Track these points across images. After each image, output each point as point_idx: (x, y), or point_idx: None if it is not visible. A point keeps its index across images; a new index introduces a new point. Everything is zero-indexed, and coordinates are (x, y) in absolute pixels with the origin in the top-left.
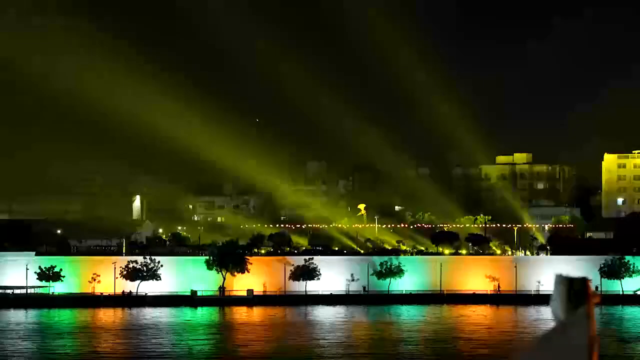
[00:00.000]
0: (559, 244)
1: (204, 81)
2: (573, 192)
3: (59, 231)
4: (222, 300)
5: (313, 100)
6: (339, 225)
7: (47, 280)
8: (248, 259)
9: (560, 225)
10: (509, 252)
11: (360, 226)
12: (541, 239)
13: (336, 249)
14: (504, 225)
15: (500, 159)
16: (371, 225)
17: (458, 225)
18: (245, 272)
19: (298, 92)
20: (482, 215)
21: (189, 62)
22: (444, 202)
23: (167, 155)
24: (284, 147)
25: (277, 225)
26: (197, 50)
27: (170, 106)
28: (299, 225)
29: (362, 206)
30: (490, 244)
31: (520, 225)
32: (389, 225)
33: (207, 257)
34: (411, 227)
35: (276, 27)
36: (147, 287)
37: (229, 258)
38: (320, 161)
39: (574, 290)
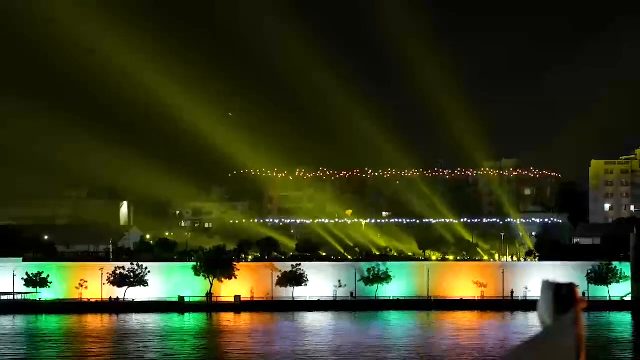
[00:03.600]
0: (547, 250)
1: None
2: (560, 197)
3: (46, 237)
4: (210, 306)
5: (306, 104)
6: (327, 221)
7: (34, 287)
8: (235, 265)
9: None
10: (497, 258)
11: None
12: (530, 244)
13: (324, 254)
14: (492, 231)
15: (488, 164)
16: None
17: (445, 227)
18: (233, 278)
19: (291, 93)
20: (470, 220)
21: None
22: (432, 207)
23: (155, 159)
24: (275, 150)
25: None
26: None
27: (159, 106)
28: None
29: (349, 212)
30: (478, 249)
31: (508, 231)
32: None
33: (195, 263)
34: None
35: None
36: (135, 293)
37: (217, 264)
38: (310, 166)
39: (561, 295)
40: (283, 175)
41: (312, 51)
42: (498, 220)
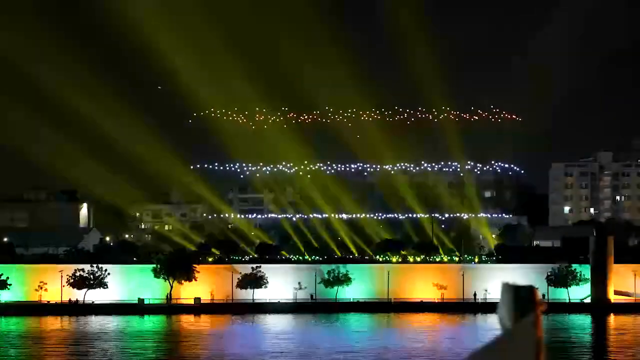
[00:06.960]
0: (507, 252)
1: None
2: (520, 200)
3: (5, 239)
4: (169, 308)
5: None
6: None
7: None
8: (195, 267)
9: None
10: (457, 260)
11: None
12: (491, 242)
13: (286, 255)
14: (451, 233)
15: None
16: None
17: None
18: (193, 280)
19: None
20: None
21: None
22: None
23: (113, 163)
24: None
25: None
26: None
27: (113, 111)
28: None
29: None
30: (440, 250)
31: (468, 233)
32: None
33: (155, 265)
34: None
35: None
36: (94, 296)
37: (176, 266)
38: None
39: (521, 298)
40: (242, 119)
41: None
42: (458, 223)
